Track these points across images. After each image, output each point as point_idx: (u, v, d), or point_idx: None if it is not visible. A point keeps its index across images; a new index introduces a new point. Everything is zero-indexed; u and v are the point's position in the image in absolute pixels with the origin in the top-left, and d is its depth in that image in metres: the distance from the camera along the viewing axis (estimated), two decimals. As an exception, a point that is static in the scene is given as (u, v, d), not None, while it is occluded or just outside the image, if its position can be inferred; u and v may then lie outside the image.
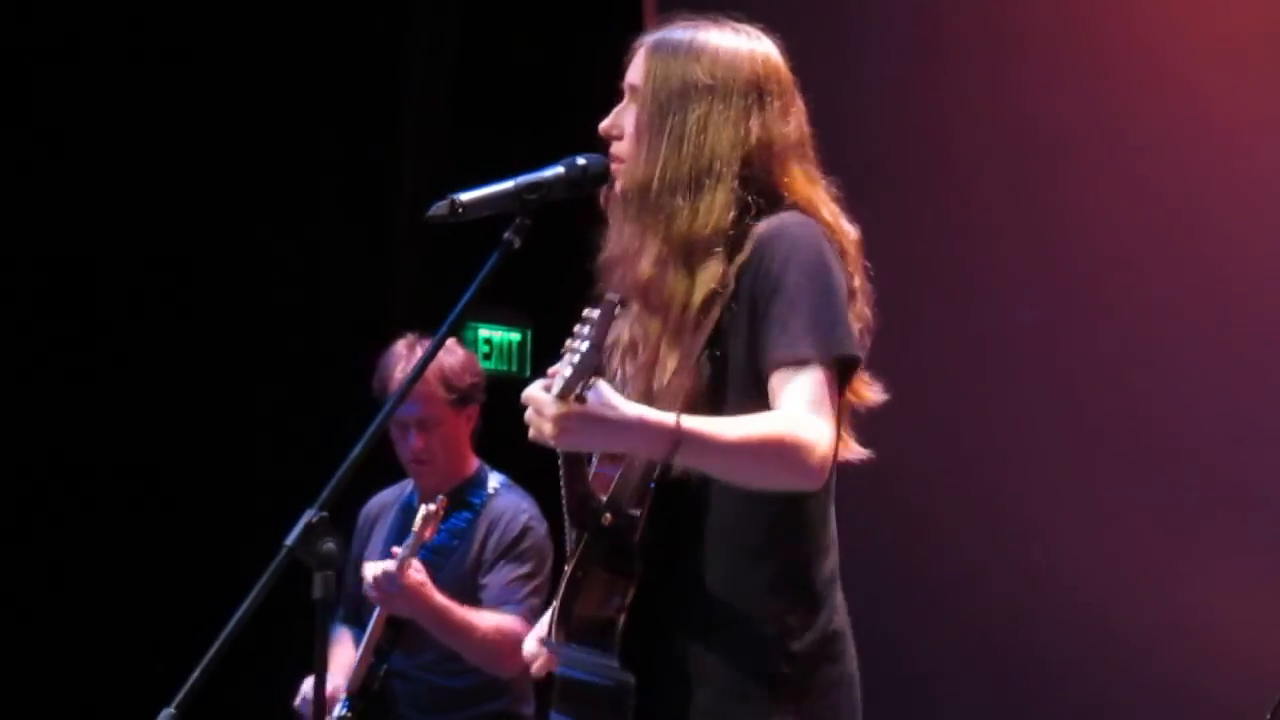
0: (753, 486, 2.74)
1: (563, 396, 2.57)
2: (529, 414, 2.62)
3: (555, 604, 2.84)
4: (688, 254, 2.81)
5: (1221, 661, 4.66)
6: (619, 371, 2.89)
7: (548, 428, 2.60)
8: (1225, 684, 4.59)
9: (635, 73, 2.90)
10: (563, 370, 2.58)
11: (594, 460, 2.85)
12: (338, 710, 4.50)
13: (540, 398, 2.61)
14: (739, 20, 2.96)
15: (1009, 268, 5.06)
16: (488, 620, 4.43)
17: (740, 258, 2.79)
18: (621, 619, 2.73)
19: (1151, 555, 4.78)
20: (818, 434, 2.68)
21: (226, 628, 2.57)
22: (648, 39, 2.92)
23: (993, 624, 5.02)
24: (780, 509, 2.79)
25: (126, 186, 6.56)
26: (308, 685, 4.47)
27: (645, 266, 2.81)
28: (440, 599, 4.38)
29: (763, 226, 2.80)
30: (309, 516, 2.60)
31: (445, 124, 6.91)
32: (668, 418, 2.64)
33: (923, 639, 5.08)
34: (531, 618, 4.42)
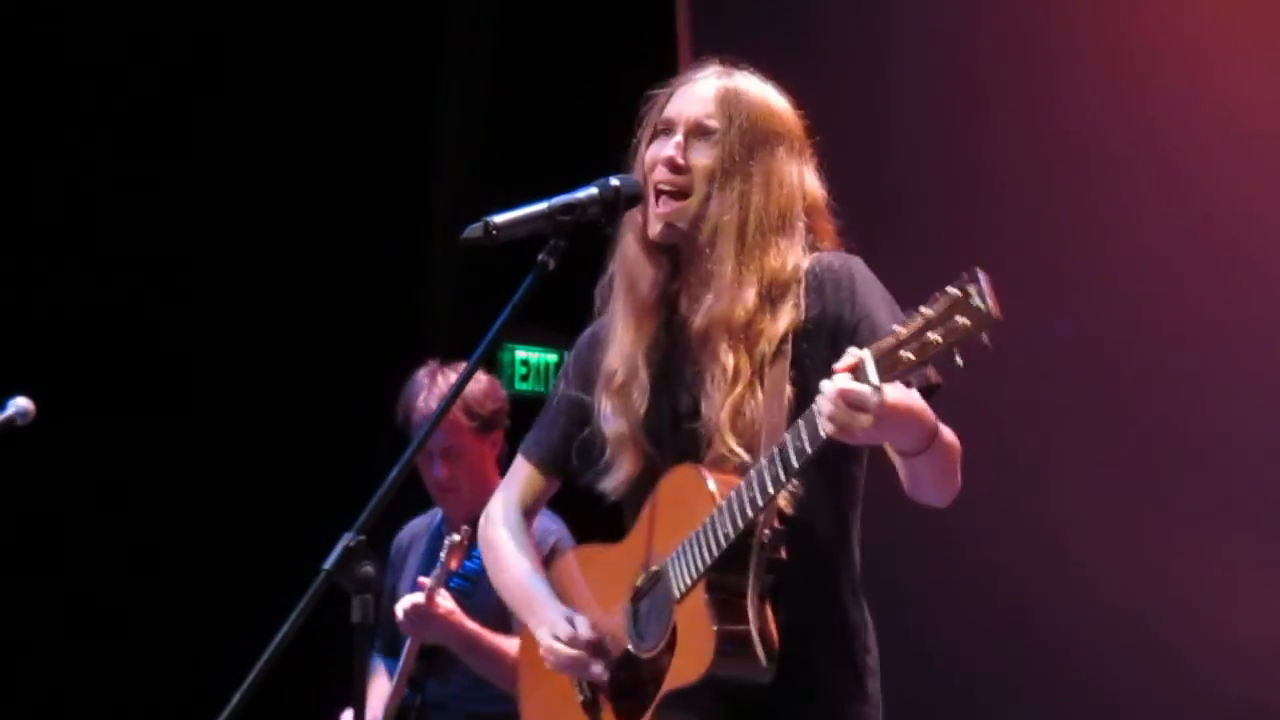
0: (925, 491, 2.83)
1: (881, 385, 2.53)
2: (838, 407, 2.57)
3: (710, 619, 2.81)
4: (771, 291, 2.90)
5: (1270, 676, 4.62)
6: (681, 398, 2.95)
7: (864, 421, 2.56)
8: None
9: (709, 112, 2.95)
10: (899, 356, 2.52)
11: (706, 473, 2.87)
12: None
13: (862, 390, 2.55)
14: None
15: (1047, 279, 5.03)
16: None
17: (799, 290, 2.90)
18: (775, 632, 2.79)
19: (1195, 566, 4.74)
20: None
21: (265, 653, 2.57)
22: (718, 83, 2.98)
23: (1030, 634, 4.99)
24: (848, 528, 2.94)
25: (170, 214, 6.60)
26: (347, 715, 4.46)
27: (744, 304, 2.88)
28: (470, 625, 4.35)
29: (810, 261, 2.92)
30: (347, 540, 2.59)
31: (480, 147, 6.92)
32: (931, 416, 2.71)
33: (958, 649, 5.05)
34: None
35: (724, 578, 2.80)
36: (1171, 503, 4.79)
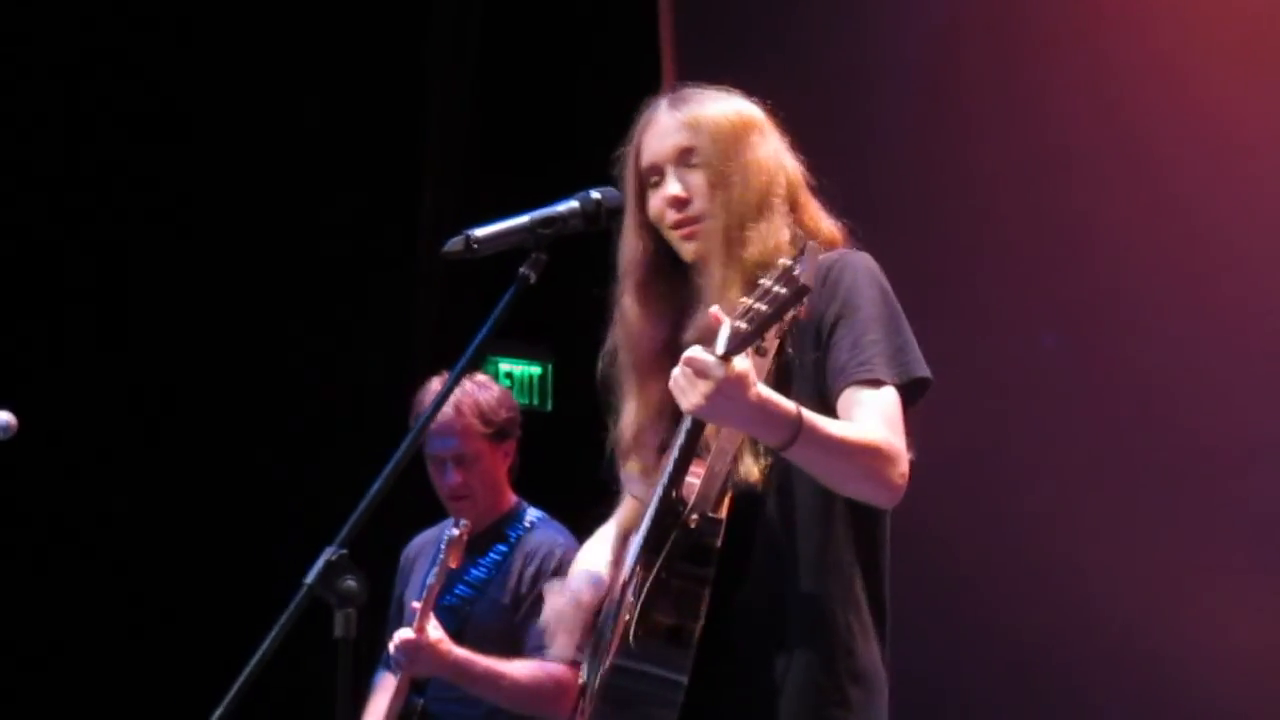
0: (842, 489, 2.80)
1: (727, 355, 2.55)
2: (683, 375, 2.59)
3: (630, 607, 2.79)
4: (756, 278, 2.86)
5: (1259, 685, 4.62)
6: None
7: (702, 388, 2.57)
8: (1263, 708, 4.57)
9: (680, 139, 2.96)
10: (735, 327, 2.54)
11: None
12: None
13: (705, 359, 2.57)
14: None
15: (1031, 290, 5.03)
16: (520, 669, 4.34)
17: None
18: (698, 628, 2.76)
19: (1182, 576, 4.74)
20: (901, 450, 2.77)
21: (248, 667, 2.56)
22: (674, 110, 2.98)
23: (1016, 644, 4.98)
24: (851, 528, 2.88)
25: (156, 228, 6.60)
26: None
27: (730, 299, 2.84)
28: (459, 652, 4.30)
29: (820, 258, 2.87)
30: (329, 554, 2.59)
31: (465, 162, 6.93)
32: (791, 406, 2.67)
33: (941, 659, 5.04)
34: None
35: (651, 558, 2.79)
36: (1157, 513, 4.79)
